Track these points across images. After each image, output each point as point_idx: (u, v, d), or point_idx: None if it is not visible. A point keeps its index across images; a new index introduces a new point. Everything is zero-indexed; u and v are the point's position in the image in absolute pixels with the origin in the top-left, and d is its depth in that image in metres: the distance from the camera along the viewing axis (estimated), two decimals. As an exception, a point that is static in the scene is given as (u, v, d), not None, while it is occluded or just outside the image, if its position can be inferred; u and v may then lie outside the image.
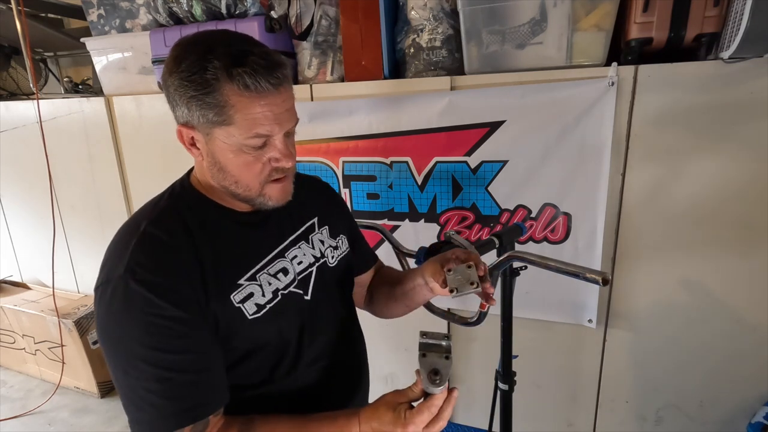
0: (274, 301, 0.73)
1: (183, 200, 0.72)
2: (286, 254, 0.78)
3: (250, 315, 0.70)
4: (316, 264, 0.82)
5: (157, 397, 0.61)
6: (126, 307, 0.61)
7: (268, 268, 0.74)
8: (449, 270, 0.72)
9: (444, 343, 0.68)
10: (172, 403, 0.62)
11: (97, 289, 0.64)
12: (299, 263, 0.79)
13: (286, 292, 0.75)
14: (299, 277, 0.78)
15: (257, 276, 0.72)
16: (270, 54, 0.62)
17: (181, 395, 0.62)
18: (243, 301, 0.70)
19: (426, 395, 0.64)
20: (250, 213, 0.75)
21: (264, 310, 0.71)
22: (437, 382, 0.63)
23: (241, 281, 0.70)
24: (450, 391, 0.65)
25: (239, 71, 0.58)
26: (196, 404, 0.63)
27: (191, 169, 0.76)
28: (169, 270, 0.64)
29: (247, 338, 0.70)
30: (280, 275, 0.75)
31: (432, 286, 0.78)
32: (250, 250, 0.73)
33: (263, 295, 0.72)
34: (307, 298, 0.79)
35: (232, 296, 0.69)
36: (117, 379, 0.64)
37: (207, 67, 0.58)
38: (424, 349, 0.68)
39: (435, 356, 0.66)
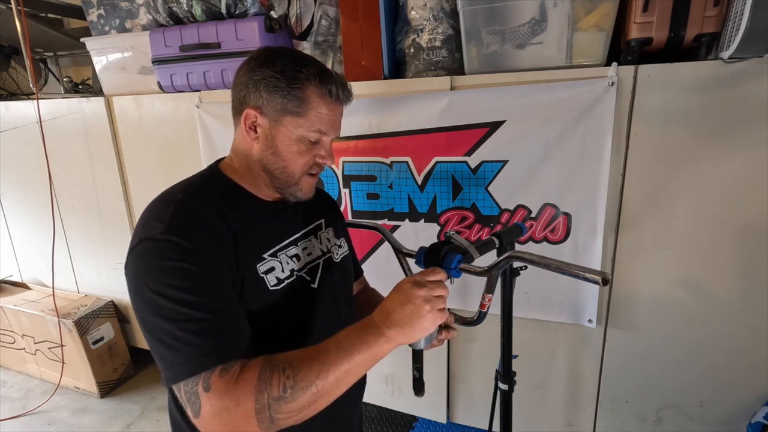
0: (290, 279, 0.80)
1: (214, 183, 0.80)
2: (298, 243, 0.86)
3: (271, 286, 0.77)
4: (323, 257, 0.90)
5: (194, 336, 0.64)
6: (167, 256, 0.66)
7: (286, 250, 0.82)
8: None
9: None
10: (209, 341, 0.65)
11: (134, 248, 0.68)
12: (309, 254, 0.87)
13: (299, 274, 0.83)
14: (309, 266, 0.86)
15: (278, 254, 0.80)
16: (344, 77, 0.82)
17: (217, 335, 0.66)
18: (266, 273, 0.77)
19: None
20: (271, 203, 0.83)
21: (282, 285, 0.78)
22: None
23: (265, 256, 0.78)
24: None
25: (328, 80, 0.76)
26: (230, 345, 0.67)
27: (219, 160, 0.85)
28: (207, 233, 0.70)
29: (264, 308, 0.76)
30: (294, 259, 0.83)
31: None
32: (271, 232, 0.82)
33: (282, 271, 0.79)
34: (314, 286, 0.85)
35: (257, 266, 0.76)
36: (153, 328, 0.66)
37: (301, 70, 0.74)
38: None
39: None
